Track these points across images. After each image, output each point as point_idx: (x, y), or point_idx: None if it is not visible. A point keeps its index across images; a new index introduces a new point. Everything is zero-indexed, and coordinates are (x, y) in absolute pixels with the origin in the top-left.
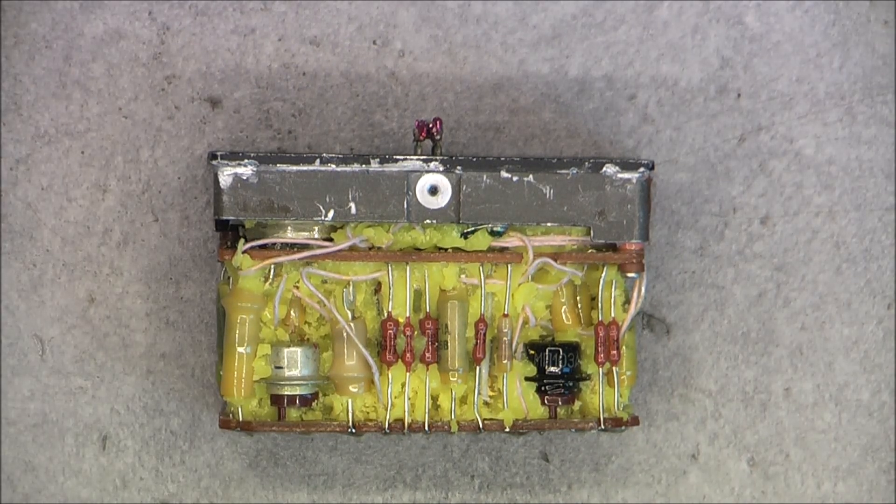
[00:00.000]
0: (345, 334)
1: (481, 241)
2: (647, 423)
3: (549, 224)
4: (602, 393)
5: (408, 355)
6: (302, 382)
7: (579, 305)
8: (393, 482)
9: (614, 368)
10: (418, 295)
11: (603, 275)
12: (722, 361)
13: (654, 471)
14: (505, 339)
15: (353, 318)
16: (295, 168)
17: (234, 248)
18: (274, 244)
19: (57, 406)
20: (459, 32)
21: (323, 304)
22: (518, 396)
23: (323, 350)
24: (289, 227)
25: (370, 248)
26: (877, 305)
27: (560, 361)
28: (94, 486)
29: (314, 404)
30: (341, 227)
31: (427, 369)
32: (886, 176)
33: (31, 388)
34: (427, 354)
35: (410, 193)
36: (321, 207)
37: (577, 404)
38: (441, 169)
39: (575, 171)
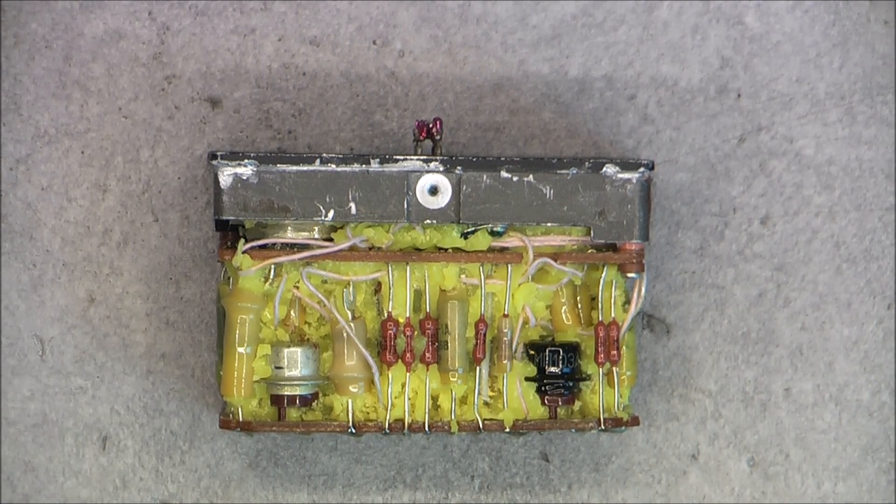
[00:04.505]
0: (345, 334)
1: (481, 241)
2: (647, 423)
3: (549, 224)
4: (602, 393)
5: (408, 355)
6: (302, 382)
7: (579, 305)
8: (393, 482)
9: (614, 368)
10: (418, 295)
11: (603, 275)
12: (722, 361)
13: (654, 471)
14: (505, 339)
15: (353, 318)
16: (295, 168)
17: (234, 248)
18: (274, 244)
19: (57, 406)
20: (459, 32)
21: (323, 304)
22: (518, 396)
23: (323, 350)
24: (289, 227)
25: (370, 248)
26: (877, 305)
27: (560, 361)
28: (94, 486)
29: (314, 404)
30: (341, 227)
31: (427, 369)
32: (886, 176)
33: (31, 388)
34: (427, 354)
35: (410, 193)
36: (321, 207)
37: (577, 404)
38: (441, 169)
39: (575, 171)
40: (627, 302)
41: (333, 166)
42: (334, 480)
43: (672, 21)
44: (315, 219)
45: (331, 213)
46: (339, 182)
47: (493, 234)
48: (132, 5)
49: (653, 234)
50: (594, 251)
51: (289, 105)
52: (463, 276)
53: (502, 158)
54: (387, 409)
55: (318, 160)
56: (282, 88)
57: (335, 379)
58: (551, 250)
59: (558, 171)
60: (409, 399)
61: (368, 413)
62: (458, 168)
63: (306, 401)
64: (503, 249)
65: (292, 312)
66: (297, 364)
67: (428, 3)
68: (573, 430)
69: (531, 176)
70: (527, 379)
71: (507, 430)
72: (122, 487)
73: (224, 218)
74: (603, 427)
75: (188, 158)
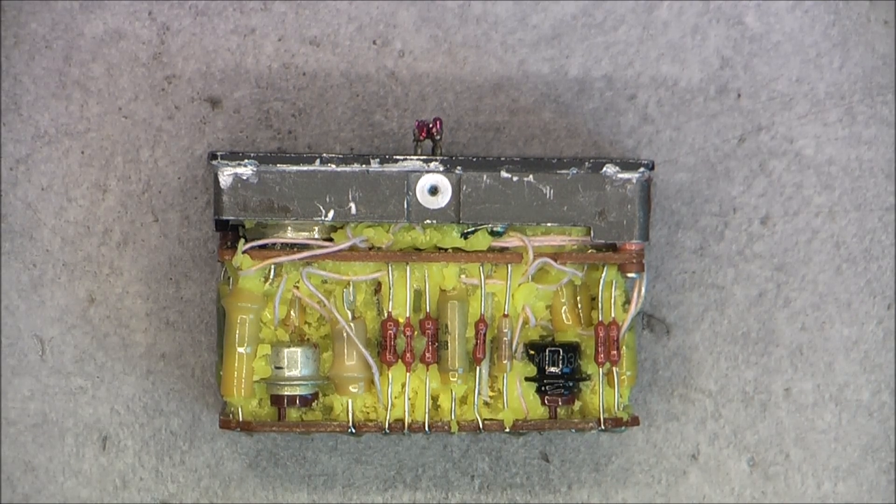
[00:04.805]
0: (345, 334)
1: (481, 241)
2: (647, 423)
3: (549, 224)
4: (602, 393)
5: (408, 355)
6: (302, 382)
7: (579, 305)
8: (393, 482)
9: (614, 368)
10: (418, 295)
11: (603, 275)
12: (722, 361)
13: (654, 471)
14: (505, 339)
15: (353, 318)
16: (295, 168)
17: (234, 248)
18: (274, 244)
19: (57, 406)
20: (459, 32)
21: (323, 304)
22: (518, 396)
23: (323, 350)
24: (289, 227)
25: (370, 249)
26: (877, 305)
27: (560, 361)
28: (94, 486)
29: (314, 404)
30: (341, 227)
31: (427, 369)
32: (886, 176)
33: (31, 388)
34: (427, 354)
35: (410, 193)
36: (321, 207)
37: (577, 404)
38: (441, 169)
39: (575, 171)
40: (627, 302)
41: (333, 166)
42: (334, 480)
43: (672, 21)
44: (315, 219)
45: (331, 213)
46: (339, 182)
47: (493, 234)
48: (132, 5)
49: (653, 234)
50: (594, 251)
51: (289, 105)
52: (463, 276)
53: (502, 158)
54: (387, 409)
55: (318, 160)
56: (282, 88)
57: (335, 379)
58: (551, 250)
59: (558, 171)
60: (409, 399)
61: (368, 413)
62: (458, 168)
63: (306, 401)
64: (503, 249)
65: (292, 312)
66: (297, 364)
67: (428, 3)
68: (573, 430)
69: (531, 176)
70: (527, 379)
71: (507, 430)
72: (122, 487)
73: (224, 218)
74: (603, 427)
75: (188, 158)
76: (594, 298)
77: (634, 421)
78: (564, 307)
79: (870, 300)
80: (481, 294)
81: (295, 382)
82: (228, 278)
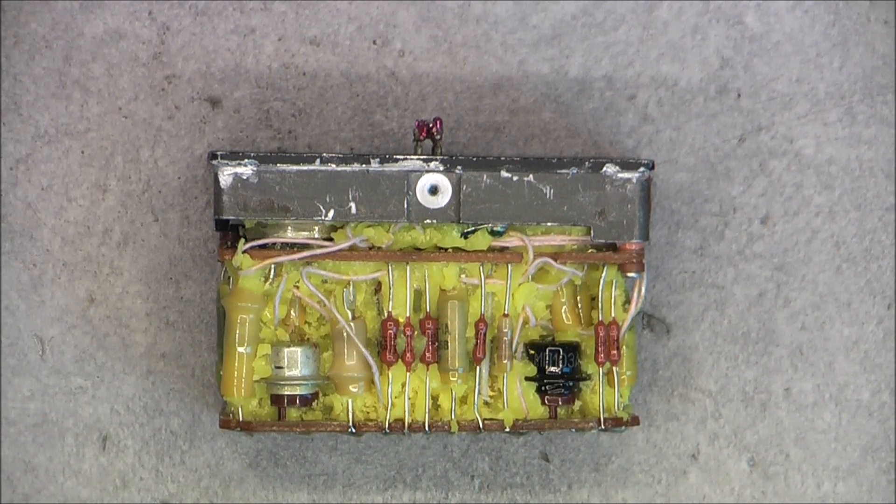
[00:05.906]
0: (345, 334)
1: (481, 240)
2: (647, 423)
3: (549, 224)
4: (602, 393)
5: (408, 355)
6: (302, 382)
7: (579, 305)
8: (393, 482)
9: (614, 368)
10: (418, 295)
11: (603, 275)
12: (722, 361)
13: (654, 471)
14: (505, 338)
15: (353, 317)
16: (295, 168)
17: (234, 247)
18: (274, 244)
19: (57, 406)
20: (459, 32)
21: (323, 303)
22: (518, 396)
23: (323, 350)
24: (289, 227)
25: (370, 248)
26: (877, 305)
27: (560, 361)
28: (94, 486)
29: (314, 404)
30: (341, 227)
31: (427, 369)
32: (886, 176)
33: (31, 388)
34: (427, 354)
35: (410, 193)
36: (321, 207)
37: (577, 404)
38: (441, 169)
39: (575, 171)
40: (627, 302)
41: (333, 166)
42: (334, 480)
43: (672, 21)
44: (315, 218)
45: (331, 213)
46: (339, 182)
47: (493, 233)
48: (132, 5)
49: (653, 234)
50: (594, 251)
51: (289, 105)
52: (463, 275)
53: (502, 158)
54: (387, 409)
55: (318, 160)
56: (282, 88)
57: (335, 379)
58: (551, 250)
59: (558, 171)
60: (409, 399)
61: (368, 413)
62: (458, 168)
63: (306, 400)
64: (503, 249)
65: (292, 312)
66: (297, 364)
67: (428, 3)
68: (573, 430)
69: (531, 176)
70: (527, 379)
71: (507, 429)
72: (122, 487)
73: (224, 218)
74: (603, 427)
75: (188, 158)
76: (594, 298)
77: (634, 421)
78: (564, 307)
79: (870, 300)
80: (481, 294)
81: (295, 382)
82: (228, 278)
